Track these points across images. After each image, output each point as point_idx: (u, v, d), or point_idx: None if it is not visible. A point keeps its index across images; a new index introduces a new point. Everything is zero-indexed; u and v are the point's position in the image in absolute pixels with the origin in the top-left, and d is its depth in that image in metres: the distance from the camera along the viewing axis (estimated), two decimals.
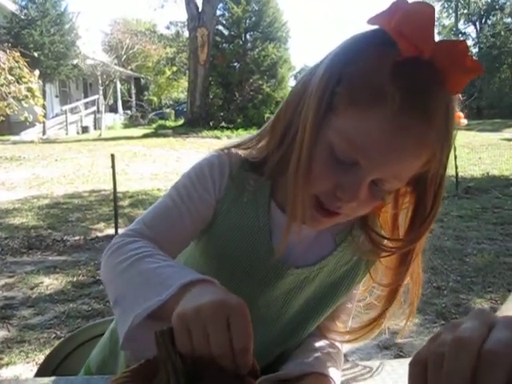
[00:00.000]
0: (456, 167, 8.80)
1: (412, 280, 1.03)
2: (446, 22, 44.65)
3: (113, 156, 6.23)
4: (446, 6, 43.66)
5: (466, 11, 41.37)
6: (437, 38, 0.78)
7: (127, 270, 0.83)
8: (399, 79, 0.76)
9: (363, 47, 0.82)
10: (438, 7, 44.61)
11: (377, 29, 0.82)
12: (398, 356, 3.30)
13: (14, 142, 22.26)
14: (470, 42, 39.22)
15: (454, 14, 43.19)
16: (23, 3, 29.51)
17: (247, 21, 28.23)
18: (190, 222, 0.96)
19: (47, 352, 3.36)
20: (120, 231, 5.86)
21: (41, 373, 1.17)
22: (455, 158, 8.77)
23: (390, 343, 3.44)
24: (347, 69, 0.81)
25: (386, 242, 0.98)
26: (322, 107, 0.83)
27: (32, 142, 20.47)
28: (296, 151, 0.86)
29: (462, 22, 42.57)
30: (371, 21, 0.80)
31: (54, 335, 3.66)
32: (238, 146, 1.02)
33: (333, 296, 1.05)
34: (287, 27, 30.47)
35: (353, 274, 1.04)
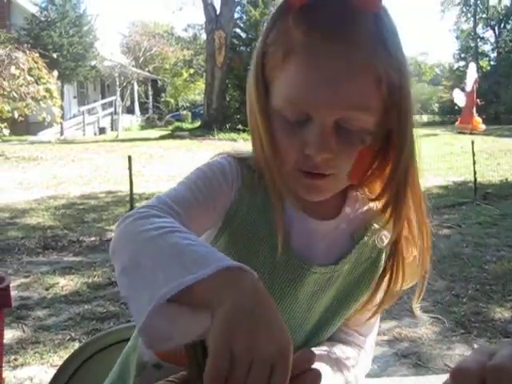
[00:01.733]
0: (474, 173, 8.70)
1: (419, 232, 0.95)
2: (465, 26, 44.36)
3: (130, 158, 6.24)
4: (465, 10, 43.37)
5: (484, 16, 41.04)
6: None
7: (154, 239, 0.71)
8: (300, 22, 0.79)
9: (273, 18, 0.87)
10: (456, 11, 44.39)
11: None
12: (416, 365, 3.24)
13: (32, 142, 22.41)
14: (488, 47, 39.03)
15: (472, 19, 42.89)
16: (43, 5, 29.81)
17: (265, 24, 28.18)
18: (212, 207, 0.92)
19: (62, 353, 3.38)
20: None
21: (57, 380, 1.14)
22: (474, 163, 8.68)
23: (408, 351, 3.38)
24: (266, 41, 0.86)
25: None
26: (260, 86, 0.87)
27: (49, 142, 20.64)
28: (256, 137, 0.89)
29: (480, 26, 42.21)
30: None
31: (68, 337, 3.65)
32: (241, 154, 1.00)
33: (355, 294, 1.02)
34: None
35: (373, 270, 1.01)
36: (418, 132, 0.91)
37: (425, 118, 43.59)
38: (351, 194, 1.00)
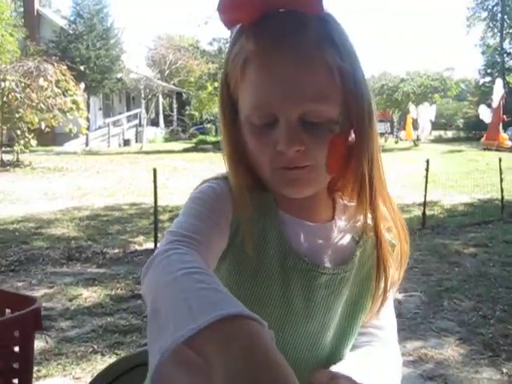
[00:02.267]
0: (501, 190, 8.58)
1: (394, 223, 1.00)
2: (491, 41, 44.10)
3: (155, 170, 6.26)
4: (491, 25, 43.16)
5: (511, 31, 40.76)
6: None
7: (170, 284, 0.69)
8: (251, 35, 0.86)
9: (230, 43, 0.93)
10: (482, 26, 44.14)
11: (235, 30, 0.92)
12: None
13: (58, 153, 22.70)
14: None
15: (499, 34, 42.63)
16: (72, 18, 30.27)
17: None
18: (218, 226, 0.90)
19: (84, 366, 3.38)
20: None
21: None
22: (501, 181, 8.56)
23: (434, 373, 3.31)
24: (227, 63, 0.92)
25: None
26: (227, 106, 0.93)
27: (75, 153, 20.87)
28: (226, 149, 0.95)
29: (507, 41, 41.97)
30: (226, 25, 0.90)
31: (91, 349, 3.64)
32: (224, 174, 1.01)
33: (367, 293, 1.03)
34: None
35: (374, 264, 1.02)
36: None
37: (449, 133, 43.32)
38: (338, 200, 1.04)
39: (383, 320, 1.07)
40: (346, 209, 1.03)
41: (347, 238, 1.01)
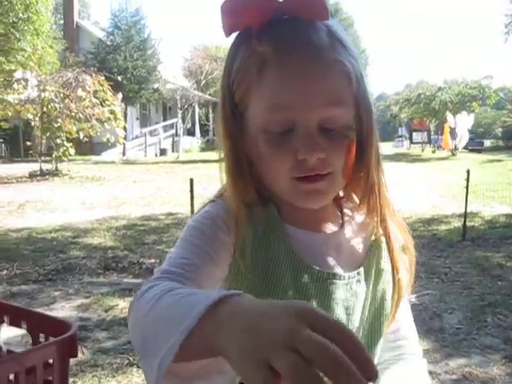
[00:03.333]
0: None
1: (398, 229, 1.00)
2: None
3: (191, 180, 6.25)
4: None
5: None
6: None
7: (150, 311, 0.70)
8: (265, 39, 0.83)
9: (233, 49, 0.90)
10: None
11: (235, 36, 0.90)
12: None
13: (96, 162, 23.01)
14: None
15: None
16: (110, 30, 30.78)
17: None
18: (212, 256, 0.90)
19: (119, 378, 3.35)
20: None
21: None
22: None
23: None
24: (231, 72, 0.89)
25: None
26: (229, 113, 0.90)
27: (113, 162, 21.11)
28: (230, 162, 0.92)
29: None
30: (225, 32, 0.87)
31: (126, 361, 3.62)
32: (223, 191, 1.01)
33: (386, 294, 1.00)
34: (366, 54, 30.36)
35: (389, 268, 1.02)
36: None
37: (488, 142, 42.66)
38: (345, 206, 1.03)
39: (407, 330, 1.06)
40: (354, 214, 1.03)
41: (359, 243, 1.00)
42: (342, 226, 1.00)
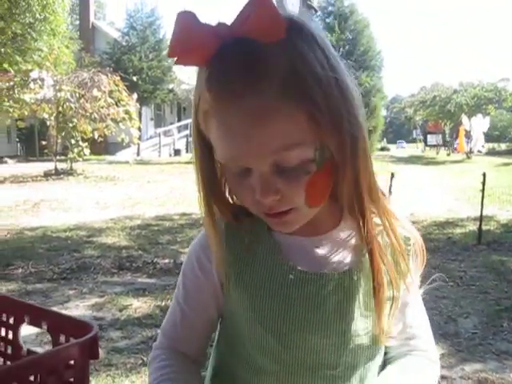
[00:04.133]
0: None
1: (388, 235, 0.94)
2: None
3: None
4: None
5: None
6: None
7: None
8: (208, 83, 0.78)
9: (196, 79, 0.85)
10: None
11: None
12: None
13: (110, 162, 23.13)
14: None
15: None
16: (125, 30, 30.97)
17: (341, 49, 28.22)
18: (201, 315, 1.02)
19: (133, 378, 3.35)
20: None
21: None
22: None
23: None
24: (196, 98, 0.84)
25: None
26: (197, 136, 0.88)
27: (127, 162, 21.21)
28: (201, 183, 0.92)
29: None
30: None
31: (140, 361, 3.62)
32: None
33: (381, 297, 0.96)
34: (381, 56, 30.23)
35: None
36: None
37: (503, 145, 42.30)
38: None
39: (416, 328, 1.04)
40: None
41: (354, 241, 0.98)
42: (338, 223, 0.98)
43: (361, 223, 0.92)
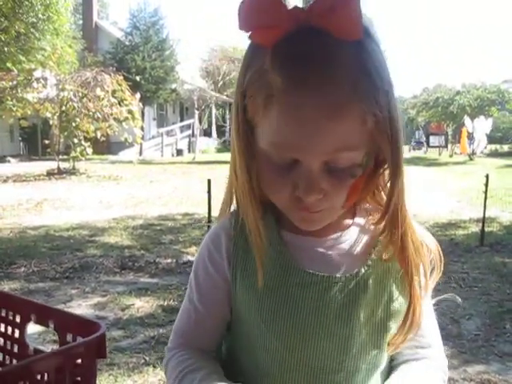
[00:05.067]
0: None
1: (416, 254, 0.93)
2: None
3: (209, 181, 6.25)
4: None
5: None
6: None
7: None
8: (276, 65, 0.75)
9: (247, 57, 0.84)
10: None
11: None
12: None
13: (113, 162, 23.14)
14: None
15: None
16: (128, 30, 30.96)
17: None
18: (215, 313, 1.01)
19: (135, 378, 3.36)
20: None
21: None
22: None
23: None
24: (244, 82, 0.82)
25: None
26: (243, 129, 0.85)
27: (130, 162, 21.21)
28: (243, 177, 0.90)
29: None
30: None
31: (142, 361, 3.62)
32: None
33: (391, 302, 0.96)
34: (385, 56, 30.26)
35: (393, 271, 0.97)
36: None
37: (506, 147, 42.20)
38: (361, 207, 1.00)
39: (427, 337, 1.03)
40: (367, 213, 1.00)
41: (364, 244, 0.97)
42: (348, 227, 0.98)
43: (399, 231, 0.90)
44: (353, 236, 0.97)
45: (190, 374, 0.94)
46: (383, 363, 0.99)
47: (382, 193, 0.97)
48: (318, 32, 0.75)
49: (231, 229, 0.99)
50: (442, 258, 0.99)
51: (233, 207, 1.01)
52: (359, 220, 0.99)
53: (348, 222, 0.98)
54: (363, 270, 0.94)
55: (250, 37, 0.79)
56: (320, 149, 0.78)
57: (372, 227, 0.97)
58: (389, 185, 0.87)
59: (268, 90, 0.77)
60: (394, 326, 0.96)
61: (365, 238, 0.97)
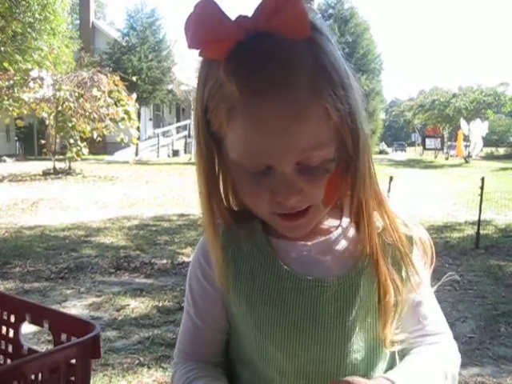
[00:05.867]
0: None
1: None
2: None
3: None
4: None
5: None
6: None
7: None
8: (232, 75, 0.74)
9: (203, 67, 0.83)
10: None
11: None
12: None
13: (108, 162, 23.11)
14: None
15: None
16: (125, 31, 30.99)
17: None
18: (214, 326, 1.01)
19: (130, 378, 3.35)
20: None
21: None
22: None
23: None
24: (204, 96, 0.82)
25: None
26: (204, 142, 0.85)
27: (126, 162, 21.19)
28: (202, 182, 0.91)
29: None
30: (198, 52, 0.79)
31: (137, 361, 3.61)
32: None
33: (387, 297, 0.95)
34: (381, 59, 30.28)
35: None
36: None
37: (501, 150, 42.36)
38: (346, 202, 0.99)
39: (432, 325, 1.02)
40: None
41: (353, 245, 0.96)
42: (336, 228, 0.97)
43: (364, 224, 0.91)
44: (340, 237, 0.97)
45: (194, 381, 0.95)
46: (382, 362, 0.99)
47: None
48: (267, 36, 0.74)
49: (219, 240, 0.97)
50: (434, 249, 1.00)
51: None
52: (345, 220, 0.98)
53: (335, 223, 0.98)
54: (354, 271, 0.94)
55: (200, 53, 0.78)
56: (289, 152, 0.78)
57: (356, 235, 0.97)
58: (350, 179, 0.87)
59: (228, 102, 0.77)
60: (388, 321, 0.95)
61: (351, 238, 0.96)
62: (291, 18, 0.74)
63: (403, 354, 1.01)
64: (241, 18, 0.77)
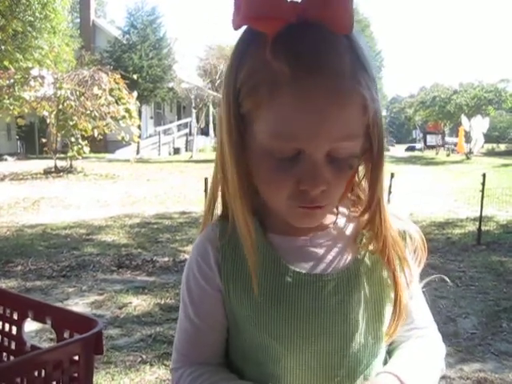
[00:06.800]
0: None
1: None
2: None
3: (206, 180, 6.24)
4: None
5: None
6: None
7: None
8: (281, 54, 0.76)
9: (240, 51, 0.83)
10: None
11: (244, 29, 0.83)
12: None
13: (110, 160, 23.12)
14: None
15: None
16: (125, 29, 30.93)
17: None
18: (214, 326, 0.99)
19: (132, 376, 3.36)
20: None
21: None
22: None
23: None
24: (239, 77, 0.82)
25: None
26: (234, 124, 0.84)
27: (127, 160, 21.19)
28: (235, 178, 0.88)
29: None
30: (234, 26, 0.80)
31: (139, 359, 3.62)
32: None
33: (385, 291, 0.97)
34: (381, 56, 30.29)
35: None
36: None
37: (502, 146, 42.29)
38: (342, 205, 1.00)
39: (420, 321, 1.04)
40: (348, 207, 1.01)
41: (350, 238, 0.98)
42: (333, 223, 0.98)
43: (381, 221, 0.92)
44: (338, 231, 0.98)
45: (220, 381, 0.94)
46: (382, 352, 1.00)
47: (358, 186, 0.98)
48: (316, 24, 0.77)
49: (217, 239, 0.97)
50: (426, 245, 1.00)
51: (215, 215, 1.02)
52: (342, 215, 0.99)
53: (331, 218, 0.98)
54: (353, 265, 0.95)
55: (248, 26, 0.80)
56: (326, 136, 0.79)
57: (355, 221, 0.98)
58: (371, 178, 0.90)
59: (272, 80, 0.77)
60: (387, 316, 0.96)
61: (350, 233, 0.98)
62: (340, 14, 0.78)
63: (392, 347, 1.03)
64: (294, 2, 0.79)
